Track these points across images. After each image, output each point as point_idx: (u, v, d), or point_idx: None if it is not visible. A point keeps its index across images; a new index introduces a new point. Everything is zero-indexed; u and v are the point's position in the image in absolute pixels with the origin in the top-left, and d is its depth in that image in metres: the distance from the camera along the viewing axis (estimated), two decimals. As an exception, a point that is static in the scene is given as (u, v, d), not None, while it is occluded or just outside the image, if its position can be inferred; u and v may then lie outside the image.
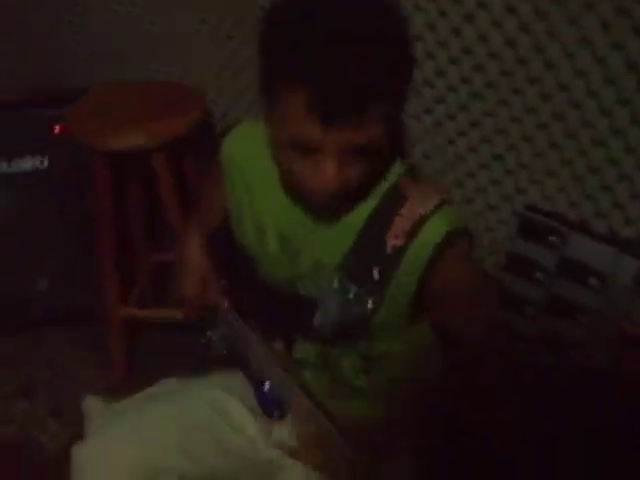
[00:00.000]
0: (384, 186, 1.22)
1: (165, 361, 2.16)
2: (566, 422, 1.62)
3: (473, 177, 1.76)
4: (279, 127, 1.07)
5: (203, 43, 2.15)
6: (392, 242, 1.19)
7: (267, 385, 1.40)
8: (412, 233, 1.18)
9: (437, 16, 1.63)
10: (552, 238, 1.64)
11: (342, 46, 0.97)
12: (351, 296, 1.22)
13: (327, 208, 1.16)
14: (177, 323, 1.91)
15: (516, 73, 1.58)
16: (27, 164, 2.31)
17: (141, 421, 1.39)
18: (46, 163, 2.32)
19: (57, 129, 2.27)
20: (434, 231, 1.18)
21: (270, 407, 1.41)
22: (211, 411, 1.43)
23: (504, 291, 1.75)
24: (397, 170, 1.24)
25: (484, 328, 1.29)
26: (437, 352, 1.39)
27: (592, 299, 1.61)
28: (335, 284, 1.22)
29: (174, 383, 1.51)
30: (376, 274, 1.20)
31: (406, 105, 1.08)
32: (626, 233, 1.58)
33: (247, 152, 1.33)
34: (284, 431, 1.42)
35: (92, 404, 1.48)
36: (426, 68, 1.69)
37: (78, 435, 1.42)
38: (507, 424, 1.28)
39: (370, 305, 1.21)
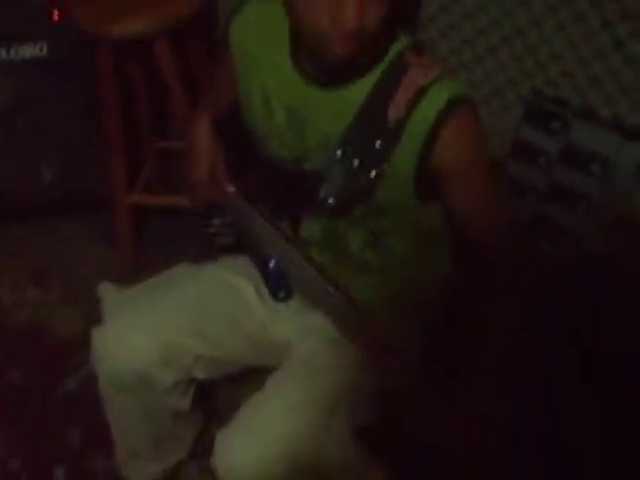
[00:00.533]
0: (389, 57, 1.22)
1: (174, 247, 2.20)
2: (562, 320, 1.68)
3: (480, 61, 1.74)
4: None
5: None
6: (393, 114, 1.20)
7: (272, 264, 1.43)
8: (412, 104, 1.19)
9: None
10: (556, 124, 1.64)
11: None
12: (355, 165, 1.25)
13: (341, 62, 1.15)
14: (184, 209, 1.94)
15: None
16: (26, 51, 2.27)
17: (156, 304, 1.44)
18: (45, 50, 2.28)
19: (56, 15, 2.23)
20: (434, 101, 1.18)
21: (276, 288, 1.46)
22: (224, 292, 1.49)
23: (508, 178, 1.77)
24: (402, 42, 1.24)
25: (493, 223, 1.31)
26: (445, 244, 1.43)
27: (592, 186, 1.62)
28: (339, 154, 1.26)
29: (186, 268, 1.55)
30: (378, 145, 1.22)
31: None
32: (631, 120, 1.58)
33: (255, 30, 1.34)
34: (290, 310, 1.48)
35: (107, 290, 1.53)
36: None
37: (91, 320, 1.47)
38: (505, 323, 1.32)
39: (373, 175, 1.24)
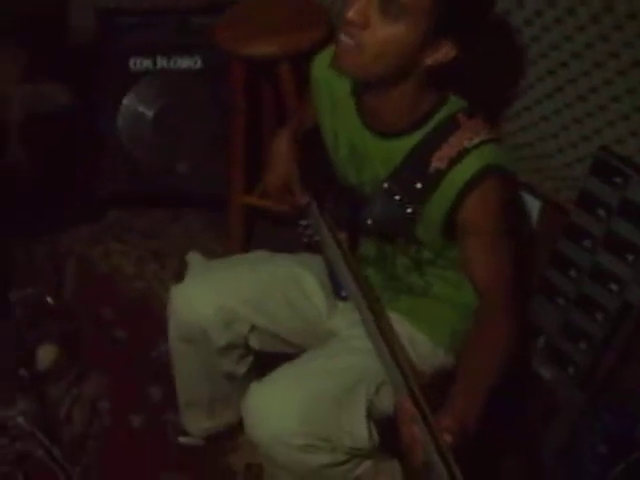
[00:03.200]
0: (440, 116, 1.38)
1: (277, 246, 2.42)
2: None
3: (558, 114, 1.87)
4: None
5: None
6: (436, 164, 1.35)
7: None
8: (453, 161, 1.34)
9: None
10: (617, 179, 1.73)
11: None
12: (396, 199, 1.40)
13: (351, 74, 1.33)
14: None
15: (604, 19, 1.67)
16: (184, 63, 2.62)
17: (228, 275, 1.66)
18: (199, 63, 2.62)
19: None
20: (471, 164, 1.33)
21: (339, 288, 1.62)
22: (288, 279, 1.68)
23: (571, 224, 1.87)
24: (456, 103, 1.40)
25: (499, 279, 1.42)
26: None
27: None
28: (385, 186, 1.42)
29: (264, 253, 1.76)
30: (419, 187, 1.38)
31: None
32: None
33: (331, 72, 1.50)
34: (347, 307, 1.64)
35: (194, 258, 1.78)
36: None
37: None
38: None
39: (410, 211, 1.40)
